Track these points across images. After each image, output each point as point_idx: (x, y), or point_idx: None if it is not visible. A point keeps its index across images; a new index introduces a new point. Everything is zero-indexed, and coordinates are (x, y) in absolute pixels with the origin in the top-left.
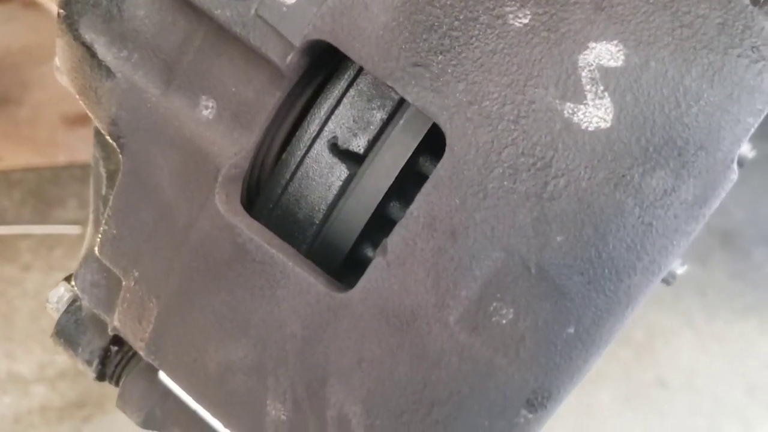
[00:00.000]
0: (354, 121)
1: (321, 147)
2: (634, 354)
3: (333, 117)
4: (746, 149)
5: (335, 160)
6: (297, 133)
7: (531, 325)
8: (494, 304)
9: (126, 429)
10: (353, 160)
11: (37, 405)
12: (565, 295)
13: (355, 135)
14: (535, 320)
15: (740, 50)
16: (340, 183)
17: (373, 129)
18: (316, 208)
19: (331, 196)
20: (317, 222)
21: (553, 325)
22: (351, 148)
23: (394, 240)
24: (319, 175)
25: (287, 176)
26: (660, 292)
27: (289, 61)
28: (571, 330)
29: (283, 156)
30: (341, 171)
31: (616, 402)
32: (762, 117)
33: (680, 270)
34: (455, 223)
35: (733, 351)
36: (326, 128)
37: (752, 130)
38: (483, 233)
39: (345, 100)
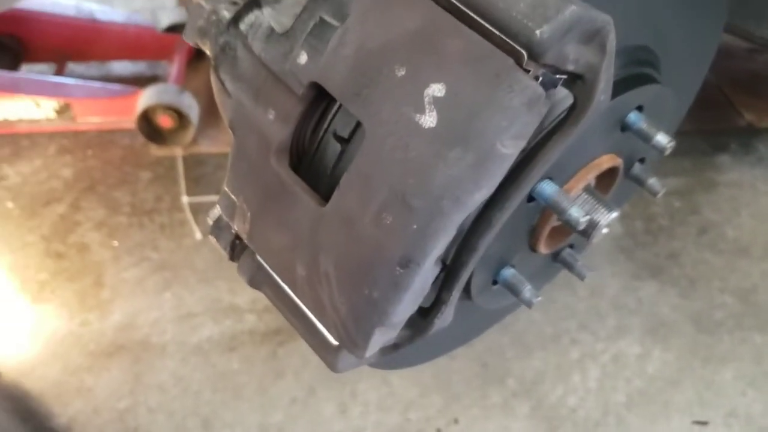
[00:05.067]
0: (344, 121)
1: (329, 136)
2: None
3: (334, 119)
4: (665, 141)
5: (335, 141)
6: (317, 127)
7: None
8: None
9: (310, 354)
10: (344, 141)
11: (248, 329)
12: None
13: (344, 128)
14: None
15: (504, 86)
16: (337, 154)
17: (353, 125)
18: (329, 166)
19: (333, 161)
20: (328, 173)
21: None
22: (342, 135)
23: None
24: (329, 149)
25: (314, 148)
26: None
27: (301, 93)
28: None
29: (313, 138)
30: (337, 147)
31: (740, 381)
32: (519, 116)
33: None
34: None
35: None
36: (332, 125)
37: (511, 129)
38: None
39: (340, 111)
